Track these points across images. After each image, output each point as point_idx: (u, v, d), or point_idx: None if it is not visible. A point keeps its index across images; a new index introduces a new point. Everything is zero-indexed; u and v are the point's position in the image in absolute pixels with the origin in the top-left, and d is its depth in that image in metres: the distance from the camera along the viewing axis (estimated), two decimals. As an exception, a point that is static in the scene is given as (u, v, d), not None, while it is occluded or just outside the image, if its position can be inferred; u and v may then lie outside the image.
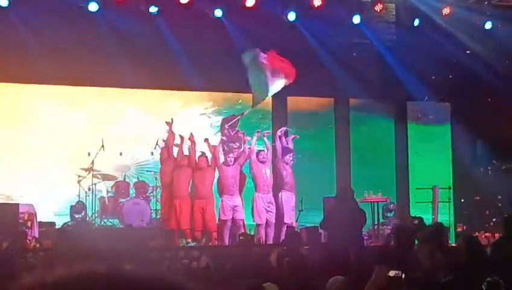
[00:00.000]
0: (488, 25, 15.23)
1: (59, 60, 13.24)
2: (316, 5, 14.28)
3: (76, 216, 12.77)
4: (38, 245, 11.05)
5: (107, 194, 13.44)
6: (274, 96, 15.58)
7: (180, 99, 15.21)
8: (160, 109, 15.11)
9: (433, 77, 15.20)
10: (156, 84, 14.42)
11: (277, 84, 12.23)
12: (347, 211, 10.25)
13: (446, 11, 14.79)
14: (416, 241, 7.96)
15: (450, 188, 14.80)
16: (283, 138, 13.05)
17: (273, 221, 12.53)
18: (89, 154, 13.50)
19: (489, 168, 15.57)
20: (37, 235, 11.78)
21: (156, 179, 13.39)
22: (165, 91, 15.05)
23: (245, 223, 12.63)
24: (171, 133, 12.80)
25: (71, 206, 13.00)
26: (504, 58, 15.24)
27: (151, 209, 13.12)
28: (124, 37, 13.66)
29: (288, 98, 15.69)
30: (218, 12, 14.25)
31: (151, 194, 13.56)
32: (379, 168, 15.34)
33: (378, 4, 14.88)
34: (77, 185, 13.29)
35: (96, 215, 13.21)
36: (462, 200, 15.13)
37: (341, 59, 14.90)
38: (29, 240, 11.22)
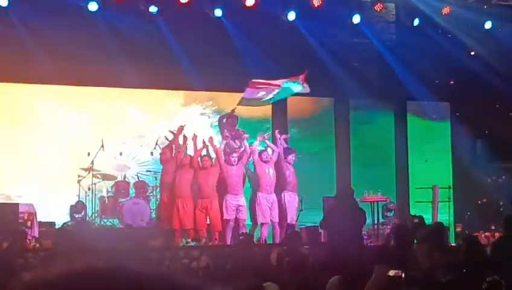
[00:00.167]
0: (488, 25, 15.23)
1: (59, 60, 13.23)
2: (315, 5, 14.27)
3: (76, 216, 12.77)
4: (38, 245, 11.05)
5: (107, 194, 13.44)
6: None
7: (180, 99, 15.21)
8: (160, 108, 15.12)
9: (433, 77, 15.20)
10: (156, 84, 14.42)
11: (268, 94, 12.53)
12: (347, 210, 10.24)
13: (446, 10, 14.79)
14: (416, 241, 7.97)
15: (450, 187, 14.80)
16: (281, 139, 13.04)
17: (277, 220, 12.54)
18: (88, 154, 13.50)
19: (489, 168, 15.57)
20: (37, 235, 11.77)
21: (156, 178, 13.38)
22: (165, 91, 15.05)
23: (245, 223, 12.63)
24: (179, 135, 12.73)
25: (71, 206, 13.00)
26: (504, 58, 15.24)
27: (151, 209, 13.11)
28: (124, 37, 13.67)
29: (288, 97, 15.70)
30: (218, 12, 14.25)
31: (151, 194, 13.56)
32: (379, 168, 15.34)
33: (378, 4, 14.88)
34: (77, 185, 13.29)
35: (96, 215, 13.21)
36: (462, 200, 15.13)
37: (341, 59, 14.90)
38: (29, 239, 11.21)
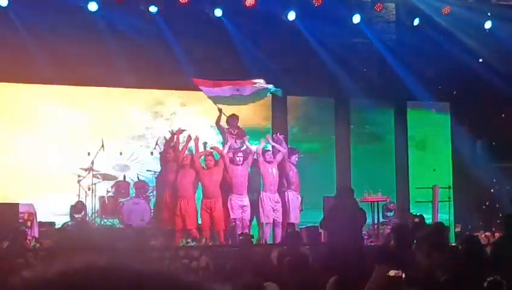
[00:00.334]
0: (488, 25, 15.23)
1: (59, 60, 13.24)
2: (315, 5, 14.27)
3: (76, 216, 12.76)
4: (38, 245, 11.04)
5: (107, 193, 13.44)
6: (274, 95, 15.62)
7: (180, 98, 15.20)
8: (161, 108, 15.12)
9: (433, 77, 15.20)
10: (156, 84, 14.42)
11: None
12: (347, 210, 10.24)
13: (446, 10, 14.79)
14: (415, 241, 7.96)
15: (450, 187, 14.80)
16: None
17: (280, 220, 12.55)
18: (88, 154, 13.49)
19: (489, 167, 15.57)
20: (37, 235, 11.77)
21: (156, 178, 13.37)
22: (165, 91, 15.05)
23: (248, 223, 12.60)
24: (179, 135, 12.73)
25: (71, 206, 12.99)
26: (504, 58, 15.24)
27: (151, 209, 13.10)
28: (124, 37, 13.67)
29: (288, 97, 15.71)
30: (218, 12, 14.25)
31: (151, 193, 13.55)
32: (379, 168, 15.34)
33: (378, 4, 14.88)
34: (77, 185, 13.29)
35: (96, 215, 13.20)
36: (462, 200, 15.12)
37: (341, 59, 14.91)
38: (29, 240, 11.21)
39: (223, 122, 13.06)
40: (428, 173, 15.49)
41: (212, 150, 12.83)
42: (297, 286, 6.35)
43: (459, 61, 15.09)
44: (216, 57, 13.86)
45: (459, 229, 13.68)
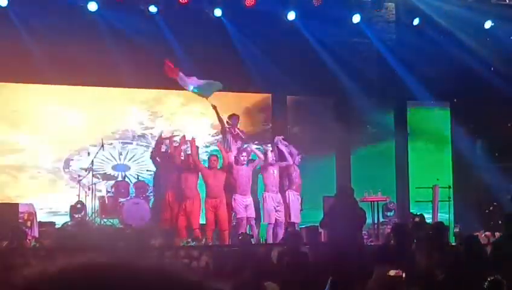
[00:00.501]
0: (488, 24, 15.22)
1: (59, 60, 13.23)
2: (315, 4, 14.27)
3: (76, 216, 12.76)
4: (38, 245, 11.04)
5: (106, 193, 13.44)
6: (273, 95, 15.64)
7: (180, 98, 15.19)
8: (161, 108, 15.12)
9: (433, 77, 15.19)
10: (156, 84, 14.41)
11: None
12: (347, 210, 10.24)
13: (446, 10, 14.78)
14: (415, 240, 7.97)
15: (450, 187, 14.80)
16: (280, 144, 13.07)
17: (283, 220, 12.55)
18: (88, 154, 13.50)
19: (489, 167, 15.56)
20: (37, 235, 11.76)
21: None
22: (165, 90, 15.04)
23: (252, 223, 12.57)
24: (183, 142, 12.76)
25: (71, 206, 13.00)
26: (504, 58, 15.23)
27: (151, 209, 13.10)
28: (124, 37, 13.66)
29: (288, 97, 15.72)
30: (217, 12, 14.24)
31: (151, 193, 13.56)
32: (379, 168, 15.32)
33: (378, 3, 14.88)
34: (77, 184, 13.29)
35: (96, 215, 13.20)
36: (462, 200, 15.12)
37: (341, 59, 14.90)
38: (29, 239, 11.20)
39: (226, 134, 13.00)
40: (428, 173, 15.48)
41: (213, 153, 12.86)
42: (297, 285, 6.35)
43: (459, 61, 15.09)
44: (216, 56, 13.85)
45: (457, 230, 13.67)
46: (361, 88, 15.05)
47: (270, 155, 12.68)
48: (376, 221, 13.55)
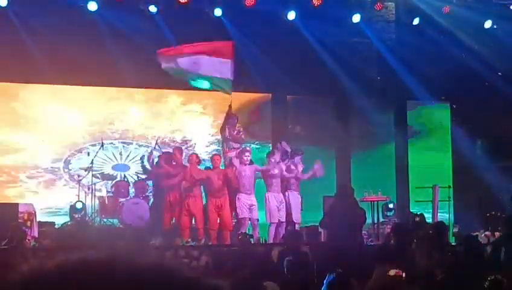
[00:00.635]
0: (488, 24, 15.22)
1: (59, 59, 13.22)
2: (315, 4, 14.27)
3: (76, 216, 12.76)
4: (37, 245, 11.04)
5: (106, 193, 13.43)
6: (273, 95, 15.63)
7: (180, 98, 15.19)
8: (161, 108, 15.11)
9: (434, 76, 15.19)
10: (156, 83, 14.41)
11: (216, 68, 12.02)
12: (347, 209, 10.24)
13: (446, 9, 14.78)
14: (415, 240, 7.96)
15: (449, 187, 14.79)
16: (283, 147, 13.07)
17: (284, 220, 12.53)
18: (88, 154, 13.49)
19: (489, 167, 15.56)
20: (36, 234, 11.75)
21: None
22: (165, 90, 15.04)
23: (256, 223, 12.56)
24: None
25: (70, 206, 12.99)
26: (504, 58, 15.23)
27: (150, 209, 13.09)
28: (124, 37, 13.65)
29: (288, 97, 15.72)
30: (217, 12, 14.24)
31: (151, 193, 13.55)
32: (379, 168, 15.32)
33: (378, 3, 14.87)
34: (77, 184, 13.28)
35: (95, 214, 13.19)
36: (462, 199, 15.11)
37: (341, 58, 14.90)
38: (28, 239, 11.20)
39: (226, 132, 12.99)
40: (428, 172, 15.47)
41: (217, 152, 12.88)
42: (297, 285, 6.35)
43: (459, 60, 15.08)
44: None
45: (457, 230, 13.67)
46: (361, 88, 15.04)
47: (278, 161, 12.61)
48: (376, 221, 13.54)
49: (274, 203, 12.41)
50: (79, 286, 0.85)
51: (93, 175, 13.18)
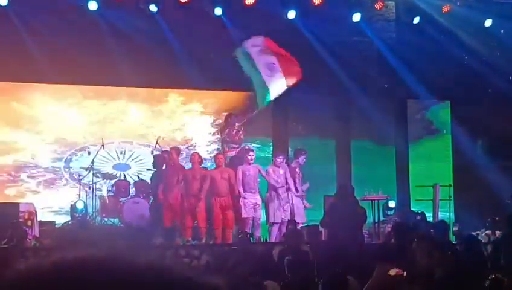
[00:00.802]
0: (488, 23, 15.21)
1: (59, 59, 13.23)
2: (316, 3, 14.26)
3: (77, 215, 12.76)
4: (38, 244, 11.04)
5: (107, 193, 13.44)
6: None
7: (180, 97, 15.20)
8: (161, 107, 15.11)
9: (434, 76, 15.18)
10: (156, 83, 14.41)
11: (277, 83, 11.88)
12: (347, 209, 10.24)
13: (446, 8, 14.77)
14: (416, 239, 7.95)
15: (450, 185, 14.79)
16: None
17: (287, 220, 12.52)
18: (89, 153, 13.50)
19: (489, 166, 15.55)
20: (37, 234, 11.76)
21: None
22: (166, 90, 15.04)
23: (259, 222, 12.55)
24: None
25: (71, 205, 13.00)
26: (504, 57, 15.22)
27: (151, 208, 13.08)
28: (124, 36, 13.66)
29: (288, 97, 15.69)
30: (218, 11, 14.24)
31: (151, 193, 13.54)
32: (379, 167, 15.32)
33: (378, 2, 14.86)
34: (77, 184, 13.29)
35: (96, 214, 13.19)
36: (463, 198, 15.10)
37: (341, 58, 14.89)
38: (29, 239, 11.21)
39: (225, 132, 12.98)
40: (429, 172, 15.47)
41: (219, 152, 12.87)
42: (298, 284, 6.35)
43: (459, 60, 15.07)
44: (216, 55, 13.84)
45: (457, 229, 13.67)
46: (361, 87, 15.03)
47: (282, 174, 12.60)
48: (376, 220, 13.54)
49: (278, 202, 12.39)
50: (75, 285, 0.85)
51: (93, 174, 13.19)
